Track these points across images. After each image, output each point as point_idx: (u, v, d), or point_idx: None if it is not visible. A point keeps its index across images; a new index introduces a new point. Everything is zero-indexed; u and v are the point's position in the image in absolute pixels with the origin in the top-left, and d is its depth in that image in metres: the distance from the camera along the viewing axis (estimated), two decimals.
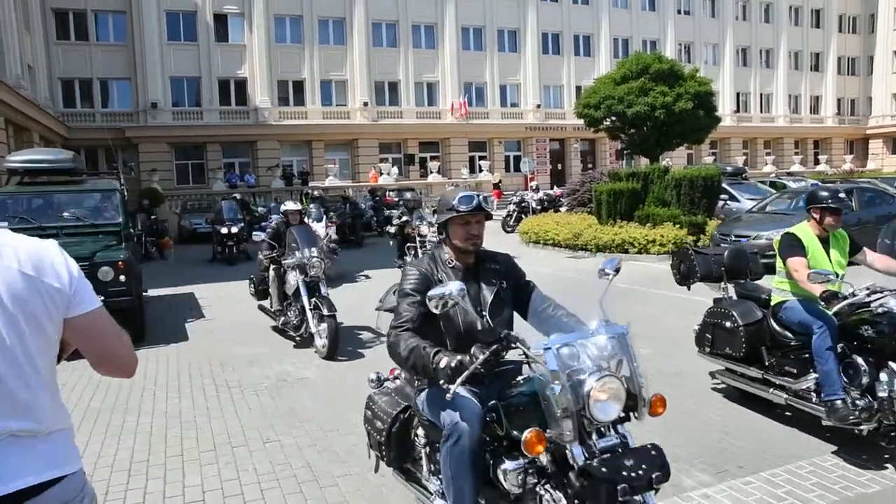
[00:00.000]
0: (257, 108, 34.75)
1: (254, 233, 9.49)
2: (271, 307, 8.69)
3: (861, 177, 31.14)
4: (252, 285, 9.23)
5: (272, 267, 8.53)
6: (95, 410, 5.78)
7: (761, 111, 48.50)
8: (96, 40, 32.60)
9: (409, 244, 13.30)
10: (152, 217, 21.26)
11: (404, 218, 14.30)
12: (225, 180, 32.45)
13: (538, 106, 41.20)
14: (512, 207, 24.52)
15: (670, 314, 9.14)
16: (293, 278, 7.82)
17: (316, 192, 15.14)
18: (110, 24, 32.95)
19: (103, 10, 32.60)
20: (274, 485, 4.16)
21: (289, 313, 8.12)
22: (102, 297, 6.66)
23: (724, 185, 18.37)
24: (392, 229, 14.99)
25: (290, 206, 8.75)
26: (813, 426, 4.81)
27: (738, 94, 47.14)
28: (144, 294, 9.26)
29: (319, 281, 7.69)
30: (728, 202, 18.52)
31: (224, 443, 4.89)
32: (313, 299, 7.54)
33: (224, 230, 16.96)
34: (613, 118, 24.55)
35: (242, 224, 17.52)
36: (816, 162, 49.07)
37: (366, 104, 36.84)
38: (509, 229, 22.84)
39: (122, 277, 8.00)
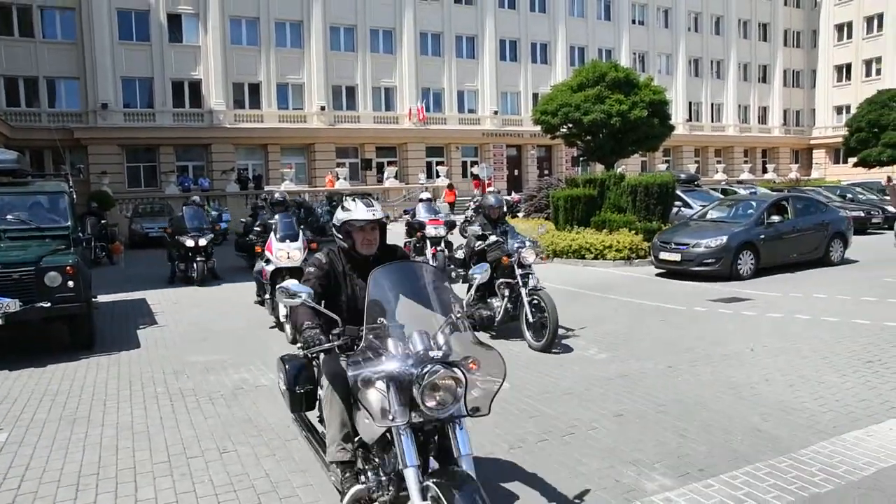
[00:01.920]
0: (212, 110, 34.14)
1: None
2: None
3: (807, 185, 32.24)
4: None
5: None
6: (41, 422, 5.53)
7: (712, 120, 49.82)
8: (42, 37, 31.59)
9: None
10: (102, 221, 20.28)
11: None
12: (178, 184, 31.78)
13: (495, 112, 41.51)
14: (469, 213, 24.49)
15: (620, 317, 9.29)
16: None
17: (278, 195, 13.50)
18: (58, 21, 31.97)
19: (50, 7, 31.65)
20: (231, 497, 4.03)
21: None
22: (49, 303, 6.46)
23: (678, 192, 18.77)
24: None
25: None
26: (764, 427, 4.91)
27: (690, 104, 48.32)
28: (94, 300, 8.92)
29: None
30: (682, 209, 18.92)
31: (178, 453, 4.73)
32: None
33: (189, 242, 13.54)
34: (570, 125, 24.88)
35: (212, 235, 14.29)
36: (765, 170, 50.58)
37: (323, 108, 36.55)
38: (466, 234, 22.85)
39: (71, 283, 7.69)
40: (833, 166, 51.36)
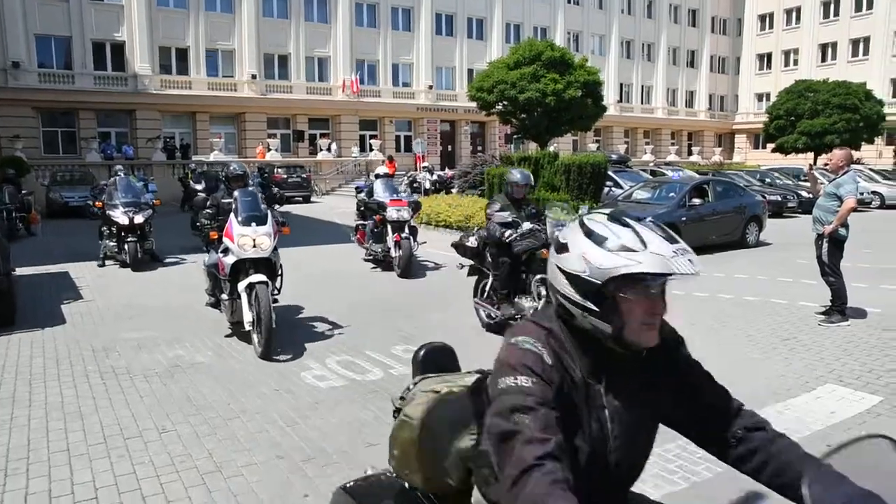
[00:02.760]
0: (137, 74, 32.62)
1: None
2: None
3: (729, 168, 33.59)
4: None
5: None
6: None
7: (642, 102, 51.08)
8: None
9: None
10: (22, 191, 18.94)
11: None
12: (100, 151, 30.32)
13: (430, 87, 41.29)
14: (403, 188, 24.47)
15: None
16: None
17: (235, 166, 8.71)
18: None
19: None
20: (174, 477, 3.96)
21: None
22: None
23: (609, 173, 19.23)
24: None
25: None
26: None
27: (621, 85, 49.36)
28: (13, 273, 8.48)
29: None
30: (613, 189, 19.42)
31: (115, 434, 4.60)
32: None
33: (122, 219, 11.85)
34: (505, 102, 25.03)
35: (151, 211, 12.54)
36: (690, 153, 52.36)
37: (254, 77, 35.50)
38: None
39: None
40: (753, 151, 53.67)
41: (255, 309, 6.46)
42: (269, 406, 5.12)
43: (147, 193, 14.03)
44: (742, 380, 5.79)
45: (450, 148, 42.64)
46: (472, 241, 7.65)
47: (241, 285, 6.66)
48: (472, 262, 7.75)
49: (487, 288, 7.47)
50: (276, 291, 7.08)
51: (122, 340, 7.10)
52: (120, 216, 11.88)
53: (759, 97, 54.06)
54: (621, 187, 19.45)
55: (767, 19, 53.71)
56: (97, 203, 12.80)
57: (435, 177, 25.85)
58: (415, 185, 24.13)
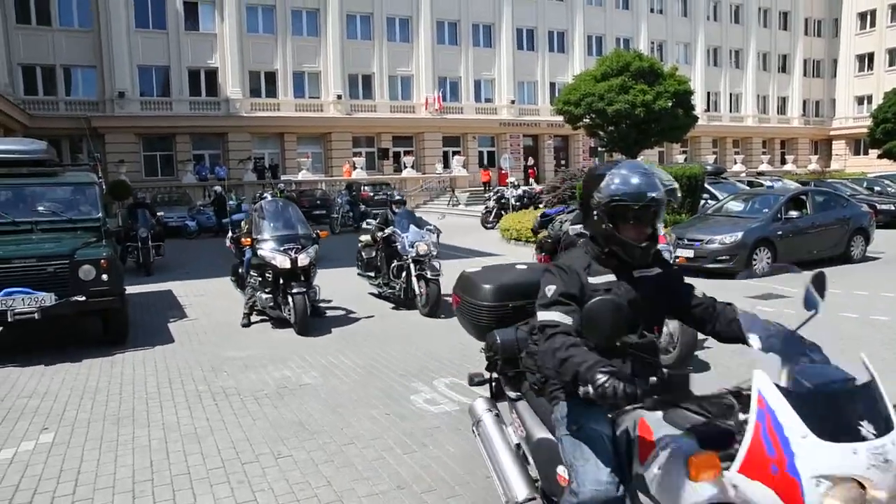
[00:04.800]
0: (228, 98, 33.99)
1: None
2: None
3: (830, 177, 31.72)
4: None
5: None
6: (84, 422, 5.37)
7: (731, 111, 49.19)
8: (59, 25, 31.47)
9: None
10: (157, 215, 16.95)
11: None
12: (195, 172, 31.70)
13: (512, 101, 41.13)
14: (491, 203, 24.30)
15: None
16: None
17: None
18: (74, 9, 31.81)
19: None
20: None
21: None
22: (84, 297, 6.28)
23: (705, 185, 18.40)
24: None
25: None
26: None
27: (708, 94, 47.71)
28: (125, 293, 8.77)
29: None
30: (709, 201, 18.53)
31: (232, 458, 4.55)
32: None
33: (282, 261, 8.33)
34: (593, 115, 24.52)
35: (316, 246, 8.94)
36: (783, 161, 49.96)
37: (339, 97, 36.32)
38: (489, 225, 22.63)
39: (105, 276, 7.53)
40: (854, 157, 50.63)
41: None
42: (383, 432, 4.96)
43: (242, 213, 13.97)
44: None
45: (532, 162, 42.27)
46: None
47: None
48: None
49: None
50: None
51: (229, 360, 7.17)
52: (278, 257, 8.33)
53: (860, 100, 51.06)
54: (718, 199, 18.54)
55: (868, 17, 50.73)
56: (244, 241, 8.98)
57: (520, 191, 25.48)
58: (502, 200, 23.86)
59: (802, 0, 51.42)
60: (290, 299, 8.25)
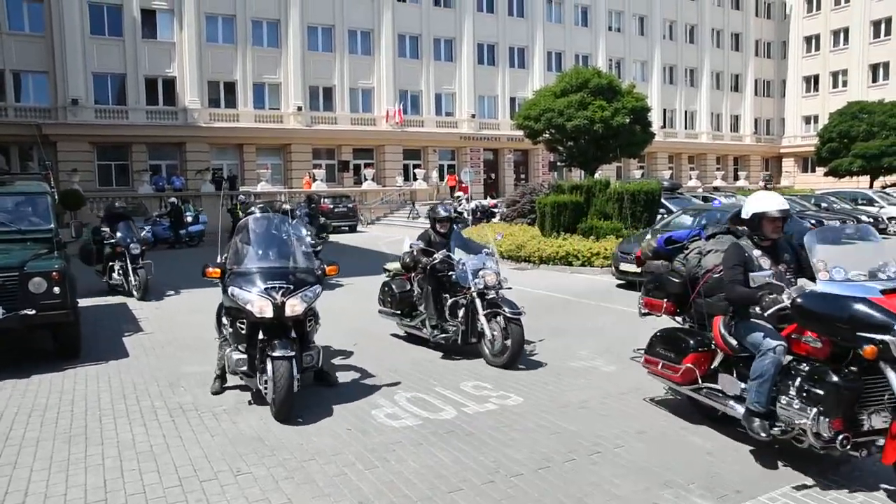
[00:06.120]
0: (186, 108, 33.48)
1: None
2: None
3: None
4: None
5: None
6: (33, 441, 5.19)
7: (686, 128, 50.44)
8: (8, 29, 30.59)
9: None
10: (139, 227, 14.55)
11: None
12: (152, 183, 31.07)
13: (473, 116, 41.44)
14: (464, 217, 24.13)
15: (619, 327, 9.08)
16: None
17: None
18: (25, 13, 31.06)
19: None
20: None
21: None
22: (34, 311, 6.08)
23: (661, 200, 18.82)
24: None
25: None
26: (790, 449, 4.82)
27: (664, 111, 48.83)
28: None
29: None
30: (665, 216, 18.94)
31: (190, 476, 4.45)
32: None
33: (261, 307, 5.52)
34: (552, 130, 24.88)
35: (318, 287, 6.06)
36: (736, 178, 51.34)
37: (300, 108, 36.10)
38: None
39: (57, 289, 7.32)
40: (802, 174, 52.37)
41: None
42: (343, 447, 4.92)
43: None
44: None
45: (493, 176, 42.61)
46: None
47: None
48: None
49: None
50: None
51: (186, 375, 7.02)
52: (254, 300, 5.60)
53: (807, 120, 52.92)
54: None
55: (813, 41, 52.74)
56: (210, 272, 6.13)
57: (473, 205, 25.39)
58: (455, 213, 23.73)
59: (753, 22, 53.22)
60: (268, 365, 5.45)
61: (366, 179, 35.79)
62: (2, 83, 30.61)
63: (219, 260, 6.30)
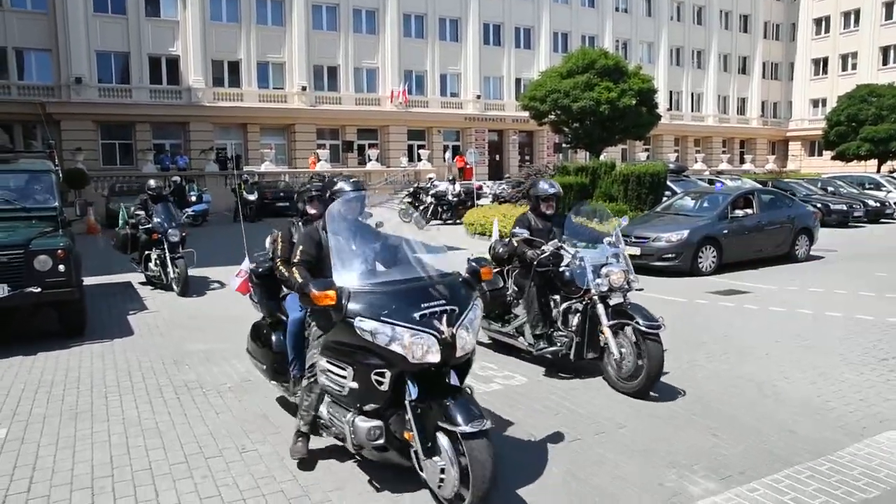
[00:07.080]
0: (190, 87, 33.31)
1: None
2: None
3: (787, 177, 32.55)
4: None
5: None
6: (40, 417, 5.22)
7: (692, 110, 50.05)
8: (11, 6, 30.39)
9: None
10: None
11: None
12: (156, 162, 31.01)
13: (478, 96, 41.16)
14: (429, 200, 23.26)
15: None
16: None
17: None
18: None
19: None
20: (261, 502, 3.80)
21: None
22: (40, 289, 6.10)
23: (667, 182, 18.72)
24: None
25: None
26: (795, 427, 4.82)
27: (671, 93, 48.42)
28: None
29: None
30: (670, 198, 18.84)
31: (195, 453, 4.47)
32: None
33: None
34: (558, 111, 24.71)
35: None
36: (742, 161, 51.03)
37: (304, 88, 35.89)
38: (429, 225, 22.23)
39: (62, 267, 7.34)
40: (809, 158, 52.05)
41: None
42: None
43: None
44: (836, 402, 5.40)
45: (497, 157, 42.42)
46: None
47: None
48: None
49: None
50: None
51: (191, 353, 7.05)
52: (411, 341, 3.53)
53: (815, 103, 52.46)
54: None
55: (823, 23, 52.14)
56: (321, 296, 3.65)
57: (458, 188, 23.55)
58: (442, 198, 22.81)
59: (762, 4, 52.56)
60: (445, 444, 3.54)
61: (370, 160, 35.64)
62: (5, 61, 30.46)
63: (247, 262, 5.22)
